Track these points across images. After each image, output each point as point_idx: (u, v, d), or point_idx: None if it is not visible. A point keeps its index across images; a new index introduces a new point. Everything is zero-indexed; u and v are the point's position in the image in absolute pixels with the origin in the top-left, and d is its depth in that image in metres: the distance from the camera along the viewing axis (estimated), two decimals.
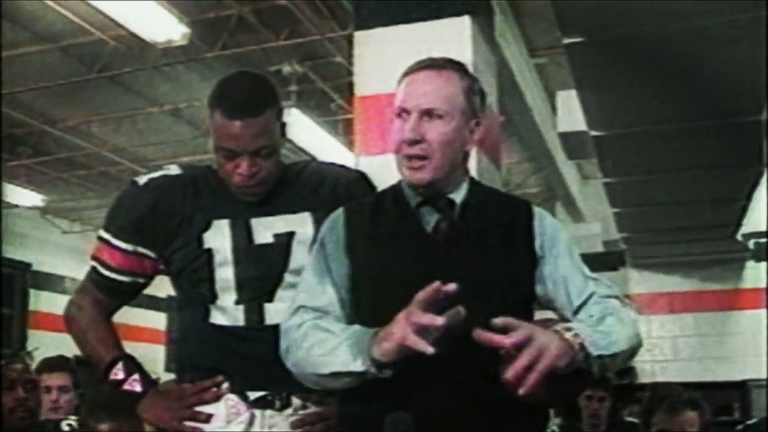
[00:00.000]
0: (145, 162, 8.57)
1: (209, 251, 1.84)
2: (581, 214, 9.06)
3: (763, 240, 8.32)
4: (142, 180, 1.92)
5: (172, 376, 1.97)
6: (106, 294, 1.94)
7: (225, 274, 1.83)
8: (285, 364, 1.61)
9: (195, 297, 1.87)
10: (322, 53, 6.52)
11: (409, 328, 1.40)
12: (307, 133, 7.02)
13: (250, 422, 1.82)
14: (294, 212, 1.87)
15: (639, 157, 5.65)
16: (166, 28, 5.58)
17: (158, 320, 11.22)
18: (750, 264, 8.97)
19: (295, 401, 1.83)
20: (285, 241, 1.85)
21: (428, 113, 1.61)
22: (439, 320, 1.38)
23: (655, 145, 5.32)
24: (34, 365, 3.62)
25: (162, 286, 2.06)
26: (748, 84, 4.31)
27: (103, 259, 1.92)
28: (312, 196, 1.89)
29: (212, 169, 1.89)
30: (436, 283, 1.40)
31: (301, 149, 6.98)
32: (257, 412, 1.82)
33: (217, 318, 1.85)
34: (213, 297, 1.84)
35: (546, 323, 1.51)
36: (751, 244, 8.55)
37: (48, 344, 6.41)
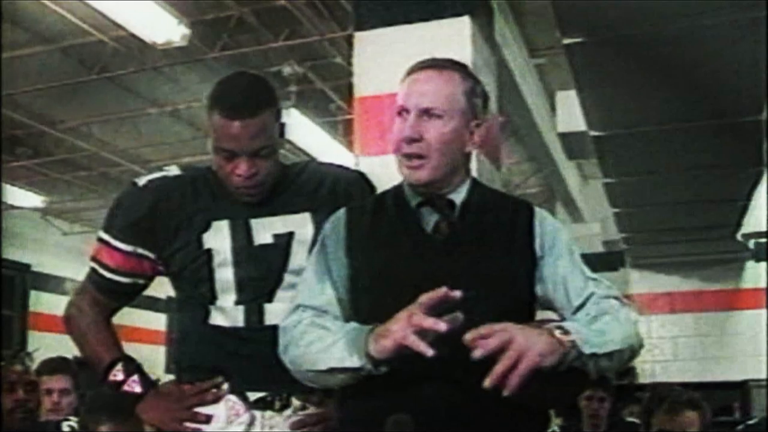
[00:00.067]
0: (145, 163, 8.57)
1: (209, 252, 1.83)
2: (581, 214, 9.06)
3: (763, 240, 8.32)
4: (141, 181, 1.92)
5: (172, 377, 1.97)
6: (106, 295, 1.94)
7: (225, 274, 1.83)
8: (283, 361, 1.61)
9: (195, 298, 1.87)
10: (321, 54, 6.51)
11: (410, 329, 1.40)
12: (306, 134, 7.03)
13: (250, 423, 1.81)
14: (294, 213, 1.87)
15: (639, 157, 5.64)
16: (166, 29, 5.57)
17: (158, 321, 11.21)
18: (750, 264, 8.95)
19: (295, 402, 1.83)
20: (285, 241, 1.84)
21: (427, 112, 1.61)
22: (443, 326, 1.38)
23: (655, 145, 5.32)
24: (34, 366, 3.62)
25: (161, 287, 2.06)
26: (748, 84, 4.30)
27: (102, 261, 1.91)
28: (311, 197, 1.89)
29: (212, 170, 1.88)
30: (443, 289, 1.40)
31: (300, 150, 6.99)
32: (257, 413, 1.82)
33: (217, 319, 1.84)
34: (213, 298, 1.84)
35: (546, 323, 1.51)
36: (751, 244, 8.54)
37: (48, 345, 6.37)
